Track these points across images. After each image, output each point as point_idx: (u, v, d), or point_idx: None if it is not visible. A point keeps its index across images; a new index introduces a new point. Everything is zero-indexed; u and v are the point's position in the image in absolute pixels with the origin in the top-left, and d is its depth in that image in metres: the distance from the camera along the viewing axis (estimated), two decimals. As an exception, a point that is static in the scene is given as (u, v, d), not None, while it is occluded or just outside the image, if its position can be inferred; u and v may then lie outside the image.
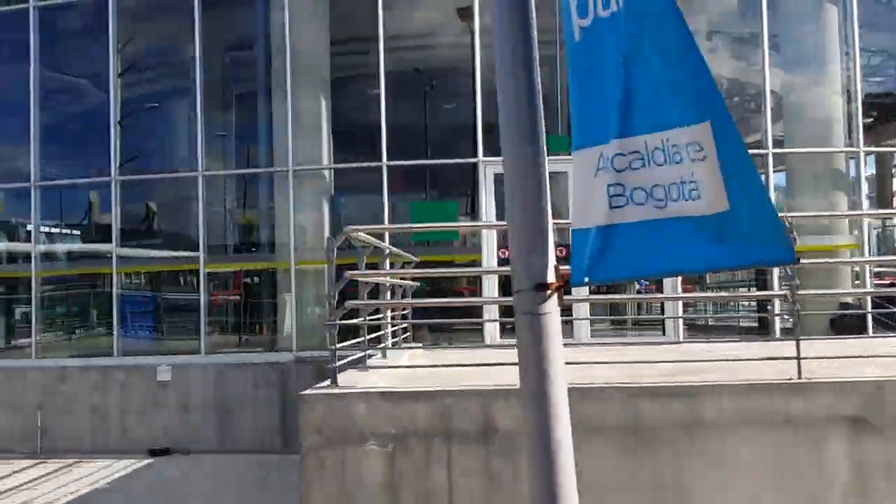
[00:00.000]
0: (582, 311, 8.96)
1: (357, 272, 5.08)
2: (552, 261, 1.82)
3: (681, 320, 9.17)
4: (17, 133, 10.84)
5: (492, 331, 9.03)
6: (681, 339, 9.04)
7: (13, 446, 10.29)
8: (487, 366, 4.73)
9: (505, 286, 8.56)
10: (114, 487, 8.40)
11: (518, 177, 1.82)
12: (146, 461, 9.53)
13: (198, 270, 10.12)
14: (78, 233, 11.32)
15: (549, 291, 1.80)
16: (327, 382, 4.76)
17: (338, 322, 4.66)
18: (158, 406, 9.93)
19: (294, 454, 9.43)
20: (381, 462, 4.44)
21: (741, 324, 10.55)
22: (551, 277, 1.80)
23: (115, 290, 10.27)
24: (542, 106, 1.82)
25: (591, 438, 4.18)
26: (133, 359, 10.15)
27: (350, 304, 4.92)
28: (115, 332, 10.24)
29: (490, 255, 9.52)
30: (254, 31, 10.83)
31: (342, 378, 4.79)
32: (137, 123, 11.15)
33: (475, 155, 9.67)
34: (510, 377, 3.34)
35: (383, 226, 8.88)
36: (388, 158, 9.80)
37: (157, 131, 11.85)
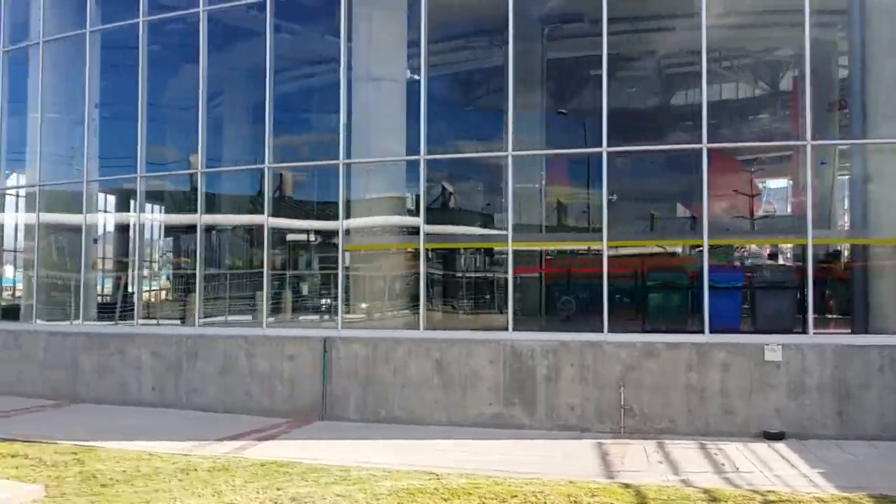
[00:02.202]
0: None
1: None
2: None
3: None
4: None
5: None
6: None
7: (589, 424, 9.89)
8: None
9: None
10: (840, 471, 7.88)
11: None
12: (768, 444, 9.03)
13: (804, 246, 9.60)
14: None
15: None
16: None
17: None
18: (766, 387, 9.43)
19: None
20: None
21: None
22: None
23: (705, 266, 9.76)
24: None
25: None
26: (733, 336, 9.65)
27: None
28: (705, 310, 9.71)
29: None
30: None
31: None
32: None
33: None
34: None
35: None
36: None
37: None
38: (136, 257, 12.67)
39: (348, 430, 10.18)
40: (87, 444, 9.07)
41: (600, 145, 10.21)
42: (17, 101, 14.69)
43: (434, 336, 10.53)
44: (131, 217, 12.88)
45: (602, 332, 9.97)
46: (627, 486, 7.16)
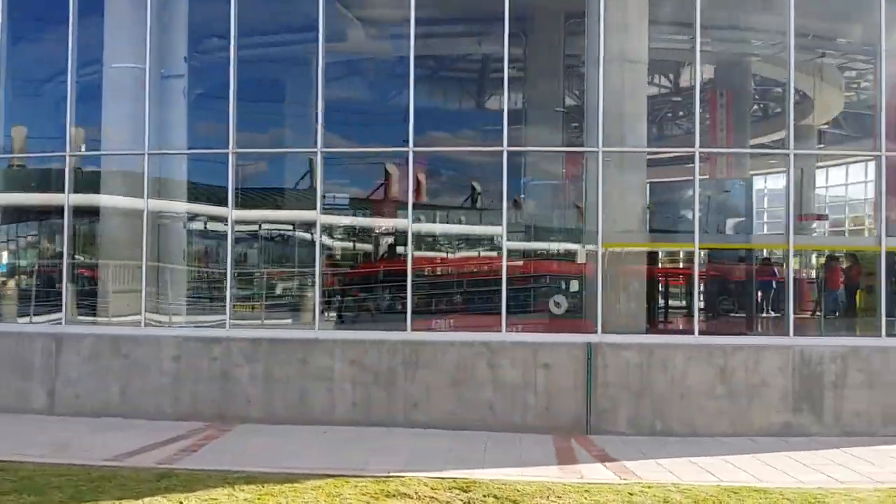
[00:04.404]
0: None
1: None
2: None
3: None
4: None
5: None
6: None
7: (874, 430, 9.92)
8: None
9: None
10: None
11: None
12: None
13: None
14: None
15: None
16: None
17: None
18: None
19: None
20: None
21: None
22: None
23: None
24: None
25: None
26: None
27: None
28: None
29: None
30: None
31: None
32: None
33: None
34: None
35: None
36: None
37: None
38: (318, 254, 10.50)
39: (646, 445, 9.20)
40: (403, 475, 7.32)
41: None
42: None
43: (715, 342, 9.95)
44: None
45: (880, 335, 10.06)
46: None
